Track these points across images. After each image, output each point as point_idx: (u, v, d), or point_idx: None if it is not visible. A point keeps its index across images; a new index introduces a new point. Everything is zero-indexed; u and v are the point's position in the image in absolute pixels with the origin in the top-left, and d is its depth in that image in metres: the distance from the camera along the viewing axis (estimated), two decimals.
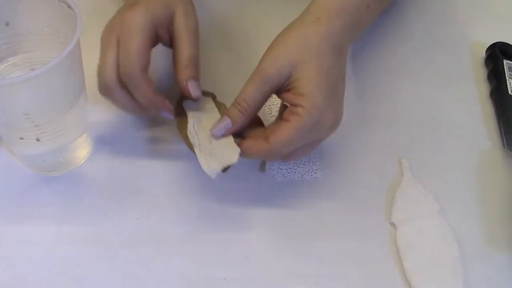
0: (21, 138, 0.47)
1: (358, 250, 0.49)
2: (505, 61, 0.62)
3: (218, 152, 0.46)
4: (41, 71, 0.41)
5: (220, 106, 0.51)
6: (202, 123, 0.48)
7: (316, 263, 0.48)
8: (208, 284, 0.47)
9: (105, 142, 0.55)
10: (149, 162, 0.54)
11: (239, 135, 0.48)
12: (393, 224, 0.50)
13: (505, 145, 0.56)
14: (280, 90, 0.47)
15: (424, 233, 0.50)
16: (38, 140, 0.47)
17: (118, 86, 0.47)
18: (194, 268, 0.47)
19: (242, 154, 0.46)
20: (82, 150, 0.53)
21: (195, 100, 0.49)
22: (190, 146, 0.47)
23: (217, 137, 0.47)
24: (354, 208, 0.52)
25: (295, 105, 0.45)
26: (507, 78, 0.60)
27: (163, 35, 0.49)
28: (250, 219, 0.51)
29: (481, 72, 0.64)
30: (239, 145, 0.46)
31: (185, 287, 0.46)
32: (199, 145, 0.47)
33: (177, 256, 0.48)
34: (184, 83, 0.48)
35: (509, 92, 0.59)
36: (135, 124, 0.56)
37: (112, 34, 0.47)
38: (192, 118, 0.49)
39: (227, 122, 0.47)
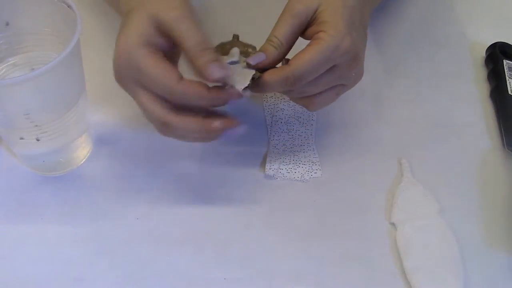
0: (21, 138, 0.47)
1: (358, 250, 0.49)
2: (505, 61, 0.62)
3: (240, 78, 0.46)
4: (41, 71, 0.41)
5: (246, 47, 0.50)
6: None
7: (316, 263, 0.48)
8: (208, 284, 0.47)
9: (105, 142, 0.55)
10: (149, 162, 0.54)
11: None
12: (393, 224, 0.50)
13: (505, 145, 0.56)
14: (307, 26, 0.47)
15: (424, 233, 0.50)
16: (38, 140, 0.47)
17: (171, 113, 0.44)
18: (194, 268, 0.47)
19: (263, 82, 0.46)
20: (82, 150, 0.53)
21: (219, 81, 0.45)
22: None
23: (251, 65, 0.46)
24: (354, 208, 0.52)
25: (317, 32, 0.46)
26: (507, 78, 0.60)
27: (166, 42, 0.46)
28: (250, 219, 0.51)
29: (481, 72, 0.64)
30: (261, 74, 0.46)
31: (185, 287, 0.46)
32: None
33: (177, 256, 0.48)
34: (206, 68, 0.43)
35: (509, 92, 0.59)
36: (135, 124, 0.56)
37: (128, 82, 0.46)
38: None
39: (261, 54, 0.47)
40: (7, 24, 0.48)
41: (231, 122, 0.45)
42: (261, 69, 0.47)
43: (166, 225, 0.50)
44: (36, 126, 0.46)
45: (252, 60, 0.46)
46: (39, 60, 0.49)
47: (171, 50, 0.46)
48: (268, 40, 0.47)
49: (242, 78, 0.46)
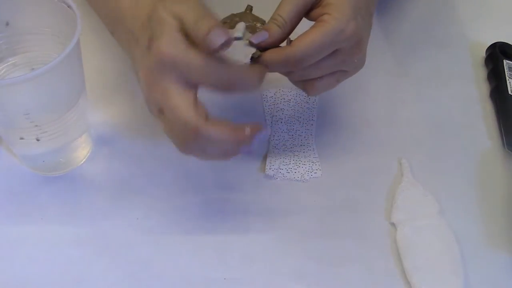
0: (21, 138, 0.47)
1: (358, 250, 0.49)
2: (505, 61, 0.62)
3: (236, 55, 0.45)
4: (41, 71, 0.41)
5: (255, 21, 0.49)
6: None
7: (316, 263, 0.48)
8: (208, 284, 0.47)
9: (105, 142, 0.55)
10: (149, 162, 0.54)
11: None
12: (393, 224, 0.50)
13: (505, 145, 0.56)
14: (311, 8, 0.47)
15: (424, 233, 0.50)
16: (38, 140, 0.47)
17: (207, 122, 0.42)
18: (194, 268, 0.47)
19: (263, 61, 0.45)
20: (82, 150, 0.53)
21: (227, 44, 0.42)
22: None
23: (254, 43, 0.46)
24: (354, 208, 0.52)
25: (322, 14, 0.45)
26: (507, 78, 0.60)
27: None
28: (250, 219, 0.51)
29: (481, 72, 0.64)
30: (262, 54, 0.46)
31: (185, 287, 0.46)
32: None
33: (177, 256, 0.48)
34: (207, 36, 0.40)
35: (509, 92, 0.59)
36: (135, 124, 0.56)
37: (165, 79, 0.42)
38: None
39: (264, 33, 0.46)
40: (7, 24, 0.48)
41: (258, 127, 0.44)
42: (264, 48, 0.46)
43: (166, 225, 0.50)
44: (36, 126, 0.46)
45: (255, 39, 0.46)
46: (39, 60, 0.49)
47: None
48: (272, 18, 0.46)
49: (242, 56, 0.45)
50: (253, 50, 0.46)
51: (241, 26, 0.47)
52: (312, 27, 0.45)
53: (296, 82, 0.50)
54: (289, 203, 0.52)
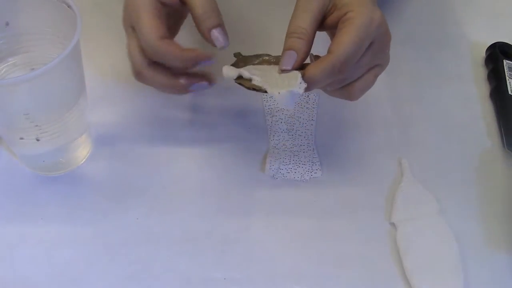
0: (21, 138, 0.47)
1: (358, 250, 0.49)
2: (505, 61, 0.62)
3: (285, 84, 0.44)
4: (41, 71, 0.41)
5: (277, 57, 0.47)
6: (260, 75, 0.46)
7: (316, 263, 0.48)
8: (208, 284, 0.47)
9: (105, 142, 0.55)
10: (149, 162, 0.54)
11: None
12: (393, 224, 0.50)
13: (505, 145, 0.56)
14: (325, 17, 0.46)
15: (424, 233, 0.50)
16: (38, 140, 0.47)
17: (147, 67, 0.47)
18: (194, 268, 0.47)
19: (309, 78, 0.43)
20: (82, 150, 0.53)
21: (223, 47, 0.47)
22: (261, 89, 0.45)
23: (288, 70, 0.44)
24: (354, 208, 0.52)
25: (344, 15, 0.44)
26: (507, 78, 0.60)
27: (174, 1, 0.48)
28: (250, 219, 0.51)
29: (481, 72, 0.64)
30: (305, 71, 0.44)
31: (185, 287, 0.46)
32: (267, 83, 0.44)
33: (177, 256, 0.48)
34: (208, 33, 0.46)
35: (509, 92, 0.59)
36: (135, 124, 0.56)
37: (126, 24, 0.48)
38: (248, 74, 0.46)
39: (290, 53, 0.44)
40: (7, 24, 0.48)
41: (196, 78, 0.48)
42: (297, 68, 0.44)
43: (166, 225, 0.50)
44: (36, 126, 0.46)
45: (287, 64, 0.44)
46: (39, 60, 0.49)
47: (179, 6, 0.48)
48: (291, 32, 0.45)
49: (293, 83, 0.43)
50: (297, 73, 0.44)
51: (246, 74, 0.46)
52: (342, 28, 0.44)
53: (334, 92, 0.48)
54: (289, 203, 0.52)
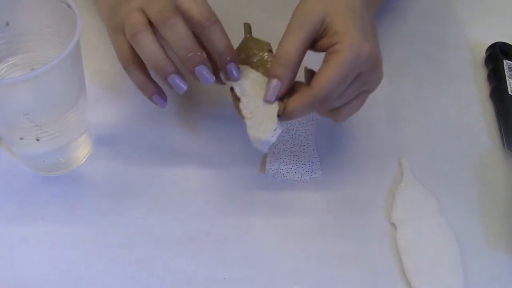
0: (21, 138, 0.47)
1: (358, 250, 0.49)
2: (505, 61, 0.62)
3: (263, 123, 0.46)
4: (41, 71, 0.41)
5: (260, 44, 0.49)
6: (248, 92, 0.48)
7: (316, 263, 0.48)
8: (208, 284, 0.47)
9: (105, 142, 0.55)
10: (149, 162, 0.54)
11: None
12: (393, 224, 0.50)
13: (505, 145, 0.56)
14: (316, 40, 0.46)
15: (424, 233, 0.50)
16: (38, 140, 0.47)
17: (134, 58, 0.47)
18: (194, 268, 0.47)
19: (289, 113, 0.45)
20: (82, 150, 0.53)
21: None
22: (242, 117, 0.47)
23: (272, 102, 0.45)
24: (354, 208, 0.52)
25: (333, 45, 0.44)
26: (507, 78, 0.60)
27: None
28: (250, 219, 0.51)
29: (481, 72, 0.64)
30: (285, 105, 0.45)
31: (185, 287, 0.46)
32: (250, 118, 0.46)
33: (177, 256, 0.48)
34: (225, 68, 0.47)
35: (509, 92, 0.59)
36: (135, 124, 0.56)
37: (118, 22, 0.47)
38: (238, 89, 0.48)
39: (275, 83, 0.45)
40: (7, 24, 0.48)
41: (161, 92, 0.48)
42: (281, 97, 0.46)
43: (166, 225, 0.50)
44: (36, 126, 0.46)
45: (270, 96, 0.45)
46: (39, 60, 0.49)
47: None
48: (277, 57, 0.45)
49: (268, 119, 0.45)
50: (275, 108, 0.45)
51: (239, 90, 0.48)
52: (327, 60, 0.44)
53: (321, 114, 0.48)
54: (289, 203, 0.52)
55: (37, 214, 0.50)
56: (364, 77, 0.45)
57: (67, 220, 0.50)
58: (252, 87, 0.47)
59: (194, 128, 0.57)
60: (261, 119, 0.46)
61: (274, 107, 0.45)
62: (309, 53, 0.47)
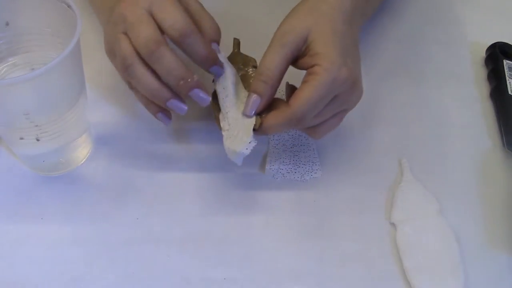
0: (21, 138, 0.47)
1: (358, 250, 0.49)
2: (505, 61, 0.62)
3: (238, 135, 0.47)
4: (41, 71, 0.41)
5: (246, 60, 0.51)
6: (229, 104, 0.49)
7: (316, 263, 0.48)
8: (208, 284, 0.47)
9: (105, 142, 0.55)
10: (149, 162, 0.54)
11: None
12: (393, 224, 0.50)
13: (505, 145, 0.56)
14: (298, 57, 0.47)
15: (424, 233, 0.50)
16: (38, 140, 0.47)
17: (139, 61, 0.46)
18: (194, 268, 0.47)
19: (266, 128, 0.46)
20: (82, 150, 0.53)
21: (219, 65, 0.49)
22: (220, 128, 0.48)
23: (250, 116, 0.47)
24: (354, 208, 0.52)
25: (312, 66, 0.45)
26: (507, 78, 0.60)
27: None
28: (250, 219, 0.51)
29: (481, 72, 0.64)
30: (262, 120, 0.47)
31: (185, 287, 0.46)
32: (227, 129, 0.47)
33: (177, 256, 0.48)
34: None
35: (509, 92, 0.59)
36: (135, 124, 0.56)
37: (119, 26, 0.47)
38: (220, 99, 0.49)
39: (254, 98, 0.46)
40: (7, 24, 0.48)
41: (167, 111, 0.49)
42: (259, 113, 0.47)
43: (166, 225, 0.50)
44: (36, 126, 0.46)
45: (249, 111, 0.47)
46: (39, 60, 0.49)
47: None
48: (259, 74, 0.46)
49: (244, 132, 0.46)
50: (252, 122, 0.46)
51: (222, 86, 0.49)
52: (305, 82, 0.45)
53: (299, 129, 0.50)
54: (289, 203, 0.52)
55: (37, 214, 0.50)
56: (341, 98, 0.47)
57: (67, 220, 0.50)
58: (233, 100, 0.49)
59: (194, 128, 0.57)
60: (237, 131, 0.47)
61: (251, 121, 0.47)
62: (291, 68, 0.48)
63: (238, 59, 0.52)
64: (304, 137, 0.56)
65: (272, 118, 0.46)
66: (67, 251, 0.48)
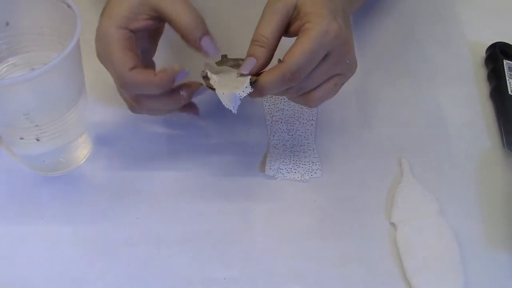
0: (21, 138, 0.47)
1: (358, 250, 0.49)
2: (505, 61, 0.62)
3: (234, 86, 0.46)
4: (41, 71, 0.41)
5: (236, 60, 0.51)
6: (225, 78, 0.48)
7: (316, 263, 0.48)
8: (208, 284, 0.47)
9: (105, 142, 0.55)
10: (149, 162, 0.54)
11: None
12: (393, 224, 0.50)
13: (505, 145, 0.56)
14: (290, 24, 0.47)
15: (424, 233, 0.50)
16: (38, 140, 0.47)
17: (146, 98, 0.49)
18: (194, 268, 0.47)
19: (261, 85, 0.46)
20: (82, 150, 0.53)
21: (214, 55, 0.49)
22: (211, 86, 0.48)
23: (245, 75, 0.46)
24: (354, 208, 0.52)
25: (303, 25, 0.46)
26: (507, 78, 0.60)
27: (148, 23, 0.48)
28: (250, 219, 0.51)
29: (481, 72, 0.64)
30: (257, 78, 0.46)
31: (185, 287, 0.46)
32: (219, 83, 0.47)
33: (177, 256, 0.48)
34: (198, 42, 0.47)
35: (509, 92, 0.59)
36: (135, 124, 0.56)
37: (103, 60, 0.48)
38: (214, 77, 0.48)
39: (251, 59, 0.47)
40: (7, 24, 0.48)
41: (175, 70, 0.47)
42: (255, 74, 0.46)
43: (166, 225, 0.50)
44: (36, 126, 0.46)
45: (245, 69, 0.46)
46: (39, 60, 0.49)
47: (155, 26, 0.49)
48: (254, 41, 0.47)
49: (241, 87, 0.45)
50: (247, 77, 0.46)
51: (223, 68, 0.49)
52: (298, 38, 0.45)
53: (295, 99, 0.49)
54: (289, 203, 0.52)
55: (37, 214, 0.50)
56: (333, 57, 0.46)
57: (67, 220, 0.50)
58: (226, 75, 0.48)
59: (194, 128, 0.57)
60: (237, 83, 0.46)
61: (247, 78, 0.46)
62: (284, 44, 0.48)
63: (227, 62, 0.52)
64: (304, 137, 0.56)
65: (267, 75, 0.46)
66: (67, 251, 0.48)
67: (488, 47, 0.64)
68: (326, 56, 0.46)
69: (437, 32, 0.68)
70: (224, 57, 0.52)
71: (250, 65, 0.46)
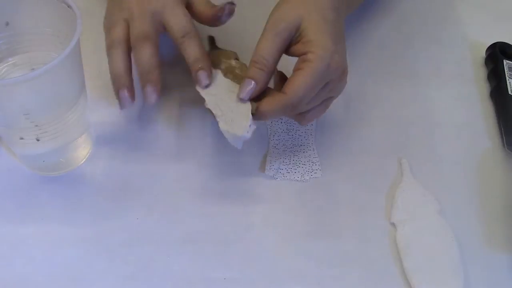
0: (21, 138, 0.47)
1: (358, 250, 0.49)
2: (505, 61, 0.62)
3: (236, 121, 0.47)
4: (41, 71, 0.41)
5: (242, 67, 0.52)
6: (218, 95, 0.50)
7: (316, 263, 0.48)
8: (208, 284, 0.47)
9: (105, 142, 0.55)
10: (149, 162, 0.54)
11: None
12: (393, 224, 0.50)
13: (505, 145, 0.56)
14: (291, 44, 0.48)
15: (424, 233, 0.50)
16: (38, 140, 0.47)
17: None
18: (194, 268, 0.47)
19: (262, 114, 0.47)
20: (82, 150, 0.53)
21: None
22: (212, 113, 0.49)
23: (245, 100, 0.48)
24: (354, 208, 0.52)
25: (305, 53, 0.46)
26: (507, 78, 0.60)
27: None
28: (250, 219, 0.51)
29: (481, 72, 0.64)
30: (258, 105, 0.47)
31: (185, 287, 0.46)
32: (221, 115, 0.48)
33: (177, 256, 0.48)
34: (195, 73, 0.50)
35: (509, 92, 0.59)
36: (135, 124, 0.56)
37: (119, 17, 0.52)
38: (210, 99, 0.50)
39: (250, 83, 0.47)
40: (7, 24, 0.48)
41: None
42: (255, 97, 0.48)
43: (166, 225, 0.50)
44: (36, 126, 0.46)
45: (244, 94, 0.47)
46: (39, 60, 0.49)
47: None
48: (254, 62, 0.47)
49: (242, 117, 0.47)
50: (248, 107, 0.47)
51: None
52: (299, 69, 0.46)
53: (290, 116, 0.51)
54: (289, 203, 0.52)
55: (37, 214, 0.50)
56: (331, 85, 0.48)
57: (67, 220, 0.50)
58: (222, 91, 0.50)
59: (194, 128, 0.57)
60: (232, 117, 0.47)
61: (247, 106, 0.47)
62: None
63: (218, 54, 0.53)
64: (304, 137, 0.56)
65: (269, 104, 0.47)
66: (67, 251, 0.48)
67: (488, 47, 0.64)
68: (325, 85, 0.48)
69: (437, 32, 0.68)
70: (211, 40, 0.52)
71: (250, 90, 0.47)
